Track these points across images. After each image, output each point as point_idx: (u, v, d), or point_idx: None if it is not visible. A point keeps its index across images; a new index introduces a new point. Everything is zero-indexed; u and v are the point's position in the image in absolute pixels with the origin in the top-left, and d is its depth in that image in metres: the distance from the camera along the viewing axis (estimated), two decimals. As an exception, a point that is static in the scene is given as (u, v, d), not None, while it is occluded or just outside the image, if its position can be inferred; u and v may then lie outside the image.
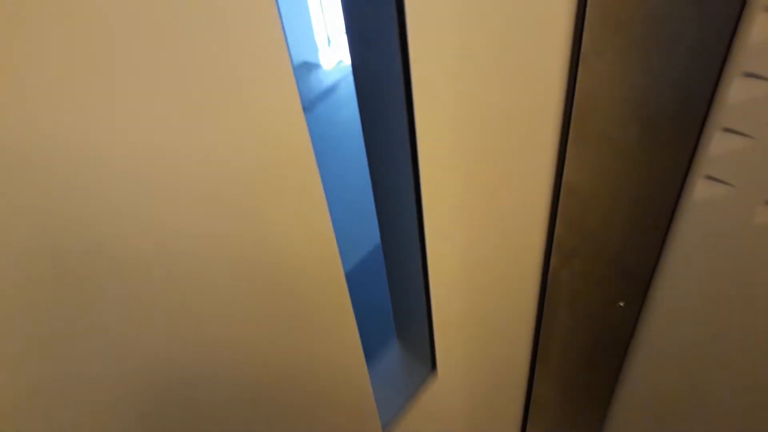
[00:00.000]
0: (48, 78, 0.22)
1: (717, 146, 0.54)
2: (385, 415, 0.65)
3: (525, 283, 0.80)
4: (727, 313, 0.62)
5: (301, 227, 0.39)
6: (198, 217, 0.32)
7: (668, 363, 0.71)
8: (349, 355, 0.52)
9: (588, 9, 0.57)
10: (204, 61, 0.27)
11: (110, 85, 0.25)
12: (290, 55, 0.36)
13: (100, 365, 0.31)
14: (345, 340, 0.50)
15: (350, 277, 0.45)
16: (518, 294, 0.81)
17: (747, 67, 0.49)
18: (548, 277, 0.80)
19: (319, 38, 2.49)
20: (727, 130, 0.53)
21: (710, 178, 0.57)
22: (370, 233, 0.77)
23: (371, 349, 0.68)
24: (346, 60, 2.41)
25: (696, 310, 0.65)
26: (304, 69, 2.44)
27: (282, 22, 0.30)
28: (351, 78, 0.48)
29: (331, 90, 2.32)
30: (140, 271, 0.30)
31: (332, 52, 2.52)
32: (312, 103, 2.23)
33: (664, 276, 0.66)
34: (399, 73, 0.42)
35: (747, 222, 0.56)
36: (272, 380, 0.44)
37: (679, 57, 0.53)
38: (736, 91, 0.50)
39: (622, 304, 0.72)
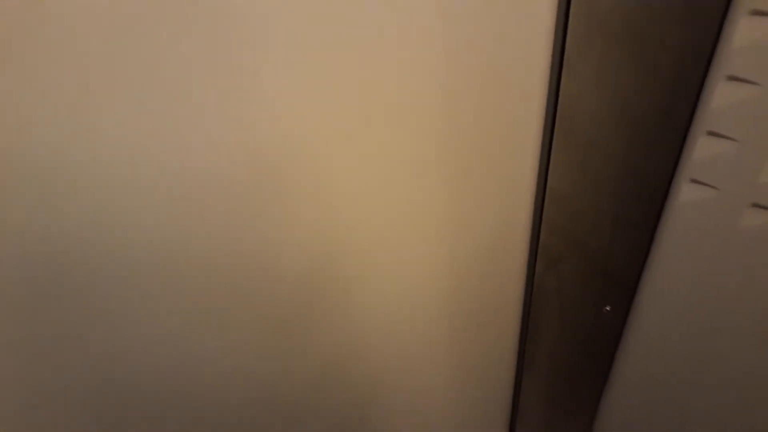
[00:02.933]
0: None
1: (701, 150, 0.54)
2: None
3: (510, 290, 0.79)
4: (714, 316, 0.62)
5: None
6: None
7: (656, 368, 0.71)
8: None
9: (572, 10, 0.56)
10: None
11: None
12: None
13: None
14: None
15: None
16: (503, 301, 0.79)
17: (731, 70, 0.48)
18: (534, 283, 0.79)
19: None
20: (711, 133, 0.53)
21: (695, 181, 0.56)
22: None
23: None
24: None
25: (683, 313, 0.64)
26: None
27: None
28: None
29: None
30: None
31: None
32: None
33: (650, 280, 0.65)
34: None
35: (732, 225, 0.56)
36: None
37: (664, 59, 0.52)
38: (720, 95, 0.50)
39: (608, 308, 0.71)
